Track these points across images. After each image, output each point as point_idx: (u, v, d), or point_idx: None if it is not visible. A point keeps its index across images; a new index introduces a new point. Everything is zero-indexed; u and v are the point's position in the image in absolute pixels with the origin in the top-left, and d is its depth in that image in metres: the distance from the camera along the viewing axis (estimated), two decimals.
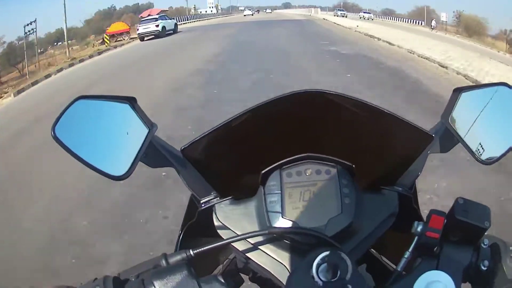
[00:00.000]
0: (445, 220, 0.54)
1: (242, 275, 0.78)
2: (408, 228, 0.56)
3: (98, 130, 0.58)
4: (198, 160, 0.63)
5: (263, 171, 0.59)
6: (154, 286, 0.49)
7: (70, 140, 0.53)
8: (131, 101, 0.60)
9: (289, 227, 0.57)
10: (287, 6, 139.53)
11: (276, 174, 0.60)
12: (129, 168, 0.56)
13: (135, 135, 0.59)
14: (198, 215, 0.65)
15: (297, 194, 0.59)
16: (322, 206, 0.58)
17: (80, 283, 0.53)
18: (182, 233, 0.66)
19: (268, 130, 0.61)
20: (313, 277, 0.49)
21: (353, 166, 0.59)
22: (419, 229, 0.54)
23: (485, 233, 0.54)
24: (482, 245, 0.55)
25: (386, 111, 0.59)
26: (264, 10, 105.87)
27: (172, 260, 0.55)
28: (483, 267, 0.53)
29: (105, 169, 0.54)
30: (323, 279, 0.49)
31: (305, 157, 0.60)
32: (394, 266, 0.65)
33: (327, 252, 0.50)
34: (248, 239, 0.59)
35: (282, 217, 0.57)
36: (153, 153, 0.62)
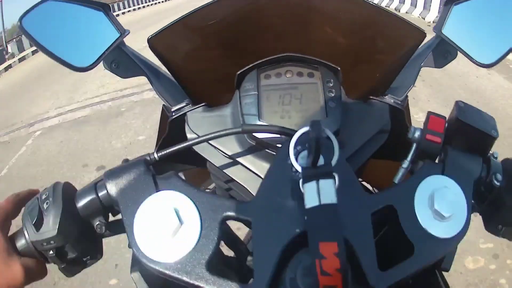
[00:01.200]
0: (446, 124, 0.46)
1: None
2: (400, 154, 0.49)
3: (67, 29, 0.56)
4: (168, 57, 0.58)
5: (238, 72, 0.53)
6: (106, 188, 0.44)
7: (37, 33, 0.51)
8: (105, 8, 0.58)
9: (264, 124, 0.50)
10: None
11: (252, 75, 0.54)
12: (94, 62, 0.53)
13: (106, 38, 0.57)
14: (169, 126, 0.59)
15: (276, 97, 0.53)
16: (304, 111, 0.52)
17: None
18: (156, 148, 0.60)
19: (245, 25, 0.56)
20: (291, 164, 0.41)
21: (339, 69, 0.54)
22: (417, 134, 0.47)
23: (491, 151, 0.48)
24: (493, 157, 0.48)
25: (377, 6, 0.55)
26: None
27: (144, 158, 0.48)
28: (496, 182, 0.46)
29: (68, 60, 0.52)
30: (303, 165, 0.40)
31: (285, 57, 0.54)
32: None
33: (306, 128, 0.42)
34: (223, 150, 0.53)
35: (258, 119, 0.51)
36: (124, 62, 0.59)
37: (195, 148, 0.55)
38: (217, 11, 0.55)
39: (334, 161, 0.40)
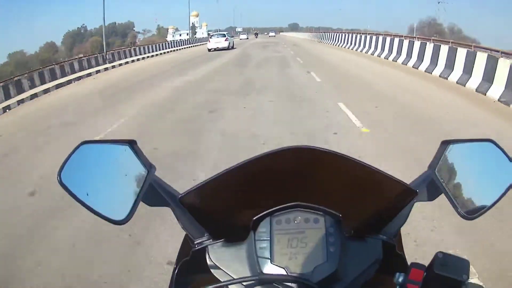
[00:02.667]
0: (425, 273, 0.56)
1: None
2: (391, 272, 0.59)
3: (100, 173, 0.61)
4: (194, 206, 0.66)
5: (254, 218, 0.63)
6: None
7: (74, 184, 0.57)
8: (131, 143, 0.63)
9: (279, 275, 0.60)
10: (294, 28, 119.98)
11: (266, 221, 0.64)
12: (129, 213, 0.59)
13: (135, 176, 0.62)
14: (192, 254, 0.68)
15: (285, 240, 0.62)
16: (309, 254, 0.62)
17: None
18: (177, 269, 0.69)
19: (260, 180, 0.65)
20: None
21: (340, 215, 0.63)
22: (400, 279, 0.57)
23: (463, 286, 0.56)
24: None
25: (372, 167, 0.62)
26: (266, 33, 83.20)
27: None
28: None
29: (107, 214, 0.58)
30: None
31: (295, 205, 0.64)
32: None
33: None
34: (241, 283, 0.63)
35: (271, 262, 0.61)
36: (151, 192, 0.65)
37: (214, 274, 0.65)
38: (237, 172, 0.62)
39: None
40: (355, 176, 0.64)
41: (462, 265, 0.56)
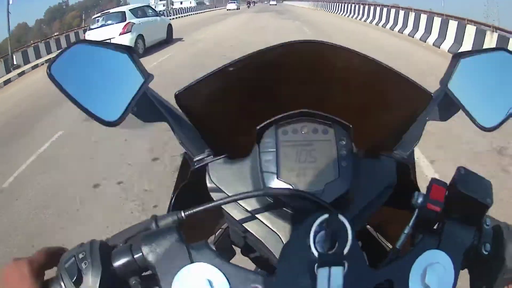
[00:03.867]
0: (447, 192, 0.50)
1: (234, 247, 0.75)
2: (405, 203, 0.53)
3: (94, 75, 0.57)
4: (192, 110, 0.60)
5: (258, 127, 0.56)
6: (142, 252, 0.47)
7: (65, 80, 0.53)
8: (130, 51, 0.59)
9: (287, 189, 0.53)
10: None
11: (271, 131, 0.56)
12: (121, 115, 0.55)
13: (131, 83, 0.58)
14: (190, 175, 0.62)
15: (293, 153, 0.55)
16: (319, 169, 0.54)
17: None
18: (175, 196, 0.64)
19: (265, 81, 0.59)
20: (309, 246, 0.45)
21: (351, 126, 0.56)
22: (419, 200, 0.50)
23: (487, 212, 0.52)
24: (485, 225, 0.51)
25: (385, 65, 0.57)
26: (267, 1, 71.09)
27: (162, 222, 0.52)
28: (484, 251, 0.49)
29: (97, 113, 0.54)
30: (319, 250, 0.45)
31: (301, 113, 0.57)
32: (390, 246, 0.63)
33: (326, 216, 0.46)
34: (242, 204, 0.57)
35: (277, 178, 0.54)
36: (146, 106, 0.60)
37: (213, 197, 0.59)
38: (237, 70, 0.57)
39: (346, 250, 0.44)
40: (367, 76, 0.57)
41: (485, 186, 0.50)
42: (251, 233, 0.57)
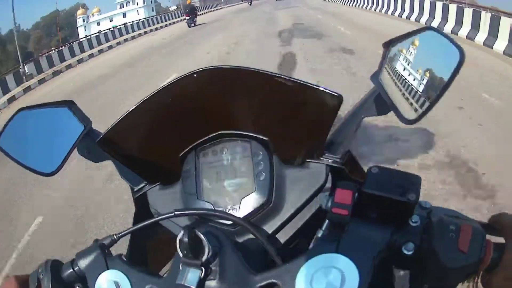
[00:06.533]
0: (356, 194, 0.48)
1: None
2: None
3: (39, 135, 0.66)
4: (118, 150, 0.65)
5: (180, 154, 0.61)
6: (79, 266, 0.55)
7: (13, 148, 0.63)
8: (69, 104, 0.66)
9: (193, 208, 0.57)
10: None
11: (191, 156, 0.61)
12: (59, 165, 0.63)
13: (71, 133, 0.65)
14: (135, 204, 0.68)
15: (213, 174, 0.59)
16: (237, 185, 0.57)
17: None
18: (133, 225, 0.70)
19: (181, 110, 0.61)
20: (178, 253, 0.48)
21: (267, 139, 0.58)
22: (329, 204, 0.49)
23: (417, 207, 0.47)
24: (411, 222, 0.47)
25: (287, 77, 0.56)
26: None
27: (102, 242, 0.57)
28: (406, 251, 0.46)
29: (37, 167, 0.63)
30: (184, 259, 0.48)
31: (218, 135, 0.60)
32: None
33: (190, 227, 0.48)
34: (176, 222, 0.60)
35: (197, 198, 0.58)
36: (94, 148, 0.66)
37: (161, 222, 0.62)
38: (152, 104, 0.59)
39: (204, 258, 0.47)
40: (275, 91, 0.57)
41: (408, 181, 0.47)
42: None
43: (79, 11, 46.87)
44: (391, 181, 0.47)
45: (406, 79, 0.57)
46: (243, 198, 0.56)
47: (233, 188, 0.58)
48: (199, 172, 0.60)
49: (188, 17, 20.41)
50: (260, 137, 0.58)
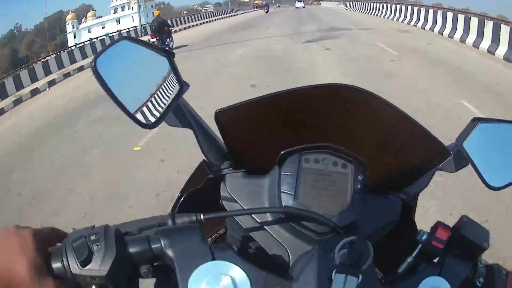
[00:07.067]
0: (450, 233, 0.57)
1: None
2: (402, 238, 0.60)
3: (135, 74, 0.59)
4: (227, 128, 0.63)
5: (283, 151, 0.60)
6: (161, 245, 0.48)
7: (108, 76, 0.54)
8: (170, 56, 0.62)
9: (306, 210, 0.57)
10: None
11: (295, 157, 0.61)
12: (157, 120, 0.58)
13: (168, 89, 0.60)
14: (206, 182, 0.65)
15: (312, 180, 0.60)
16: (334, 197, 0.59)
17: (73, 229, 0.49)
18: (183, 197, 0.66)
19: (298, 114, 0.63)
20: (332, 258, 0.48)
21: (367, 163, 0.61)
22: (424, 237, 0.58)
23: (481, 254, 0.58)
24: (479, 263, 0.58)
25: (411, 118, 0.61)
26: (292, 3, 60.29)
27: (179, 221, 0.54)
28: (478, 283, 0.57)
29: (136, 114, 0.56)
30: (341, 261, 0.48)
31: (325, 146, 0.61)
32: (382, 274, 0.68)
33: (353, 238, 0.49)
34: (254, 216, 0.60)
35: (294, 199, 0.58)
36: (175, 111, 0.63)
37: (226, 206, 0.62)
38: (276, 101, 0.61)
39: (365, 266, 0.48)
40: (392, 125, 0.62)
41: (484, 233, 0.58)
42: (257, 242, 0.60)
43: (69, 16, 44.32)
44: (473, 229, 0.58)
45: (490, 154, 0.67)
46: (340, 211, 0.58)
47: (329, 199, 0.59)
48: (300, 175, 0.60)
49: (155, 38, 12.73)
50: (363, 160, 0.61)
